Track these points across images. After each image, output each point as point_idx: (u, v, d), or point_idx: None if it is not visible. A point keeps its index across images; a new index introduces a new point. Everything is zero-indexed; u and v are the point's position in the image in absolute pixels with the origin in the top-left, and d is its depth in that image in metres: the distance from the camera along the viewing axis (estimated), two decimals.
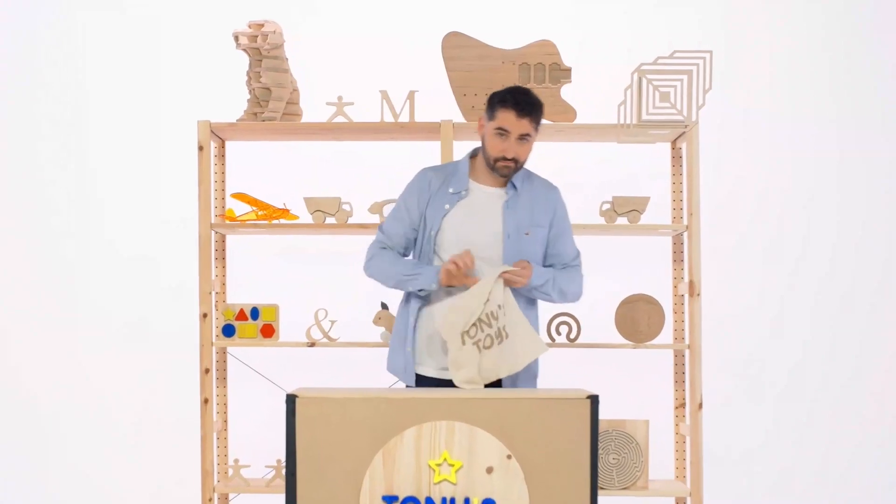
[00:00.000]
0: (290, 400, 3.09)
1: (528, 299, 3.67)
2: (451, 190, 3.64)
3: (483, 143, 3.63)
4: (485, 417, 3.05)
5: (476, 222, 3.62)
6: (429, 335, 3.65)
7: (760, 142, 5.49)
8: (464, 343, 3.46)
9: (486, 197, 3.65)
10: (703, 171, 4.26)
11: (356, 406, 3.07)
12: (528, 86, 4.19)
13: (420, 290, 3.60)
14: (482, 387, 3.47)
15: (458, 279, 3.50)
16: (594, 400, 3.09)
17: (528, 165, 3.74)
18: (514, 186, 3.65)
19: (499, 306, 3.49)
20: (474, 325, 3.47)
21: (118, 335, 5.46)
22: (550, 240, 3.68)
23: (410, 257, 3.76)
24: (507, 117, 3.52)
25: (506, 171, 3.59)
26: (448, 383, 3.58)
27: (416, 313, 3.66)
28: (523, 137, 3.55)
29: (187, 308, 4.63)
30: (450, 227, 3.61)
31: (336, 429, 3.06)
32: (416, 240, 3.71)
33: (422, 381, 3.68)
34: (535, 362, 3.71)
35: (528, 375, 3.69)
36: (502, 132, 3.53)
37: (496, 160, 3.57)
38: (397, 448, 3.04)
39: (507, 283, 3.52)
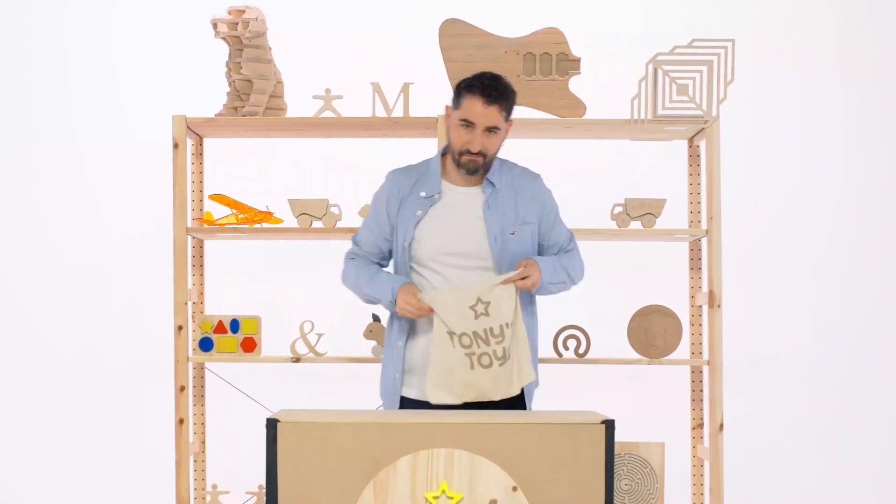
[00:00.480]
0: (271, 425, 2.95)
1: (526, 301, 3.52)
2: (422, 194, 3.50)
3: (448, 136, 3.50)
4: (488, 444, 2.93)
5: (455, 229, 3.47)
6: (421, 352, 3.51)
7: (784, 139, 5.41)
8: (453, 345, 3.33)
9: (460, 198, 3.51)
10: (722, 171, 4.21)
11: (344, 431, 2.95)
12: (533, 78, 4.15)
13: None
14: (456, 401, 3.36)
15: (417, 314, 3.39)
16: (609, 425, 2.95)
17: (529, 164, 3.64)
18: (492, 183, 3.50)
19: (506, 325, 3.35)
20: (468, 335, 3.33)
21: (87, 348, 5.40)
22: (544, 233, 3.57)
23: (389, 268, 3.65)
24: (473, 105, 3.37)
25: (472, 166, 3.43)
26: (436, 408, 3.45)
27: (407, 331, 3.52)
28: (491, 130, 3.40)
29: (162, 320, 4.56)
30: (426, 237, 3.47)
31: (322, 457, 2.94)
32: (391, 251, 3.60)
33: (408, 405, 3.54)
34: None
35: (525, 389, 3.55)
36: (467, 123, 3.39)
37: (460, 153, 3.43)
38: (390, 478, 2.93)
39: (521, 287, 3.38)
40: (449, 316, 3.34)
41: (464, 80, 3.44)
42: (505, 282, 3.36)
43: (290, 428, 2.94)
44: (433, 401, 3.37)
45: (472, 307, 3.34)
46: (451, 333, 3.34)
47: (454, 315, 3.33)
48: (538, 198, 3.55)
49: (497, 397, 3.39)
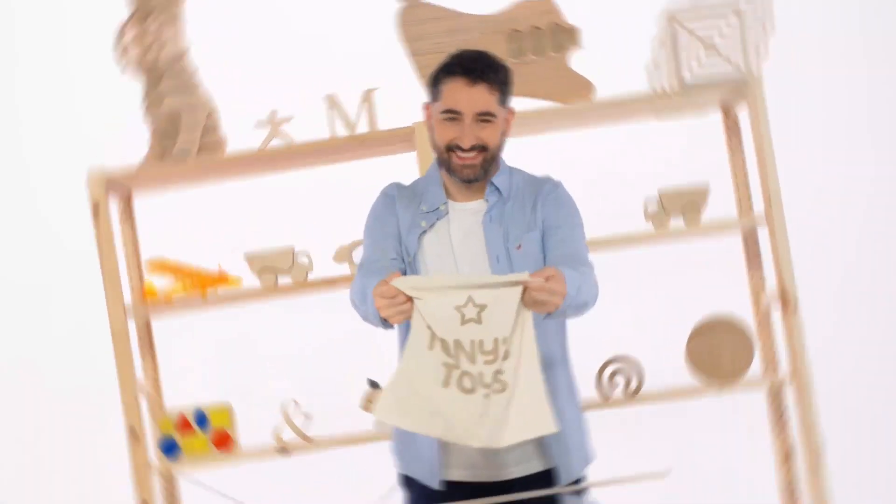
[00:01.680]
0: None
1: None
2: (423, 208, 3.09)
3: (432, 142, 3.06)
4: None
5: (450, 251, 3.04)
6: None
7: (839, 104, 5.16)
8: (430, 347, 2.73)
9: (462, 216, 3.08)
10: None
11: None
12: (523, 59, 3.96)
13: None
14: (408, 426, 2.75)
15: (396, 308, 2.76)
16: None
17: (532, 167, 3.21)
18: (498, 189, 3.07)
19: (501, 340, 2.72)
20: (448, 343, 2.72)
21: (25, 467, 5.25)
22: (547, 228, 3.06)
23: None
24: (455, 90, 2.95)
25: (468, 172, 2.98)
26: (482, 488, 2.96)
27: None
28: (484, 117, 2.95)
29: (113, 423, 4.28)
30: (427, 256, 3.06)
31: None
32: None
33: (450, 490, 3.02)
34: (587, 437, 3.11)
35: (579, 456, 3.05)
36: (452, 114, 2.95)
37: (448, 150, 2.97)
38: None
39: (532, 306, 2.71)
40: (431, 310, 2.75)
41: (439, 66, 3.03)
42: (515, 283, 2.71)
43: None
44: (376, 415, 2.75)
45: (458, 308, 2.74)
46: (431, 332, 2.74)
47: (436, 313, 2.75)
48: (557, 202, 3.08)
49: (476, 443, 2.73)
